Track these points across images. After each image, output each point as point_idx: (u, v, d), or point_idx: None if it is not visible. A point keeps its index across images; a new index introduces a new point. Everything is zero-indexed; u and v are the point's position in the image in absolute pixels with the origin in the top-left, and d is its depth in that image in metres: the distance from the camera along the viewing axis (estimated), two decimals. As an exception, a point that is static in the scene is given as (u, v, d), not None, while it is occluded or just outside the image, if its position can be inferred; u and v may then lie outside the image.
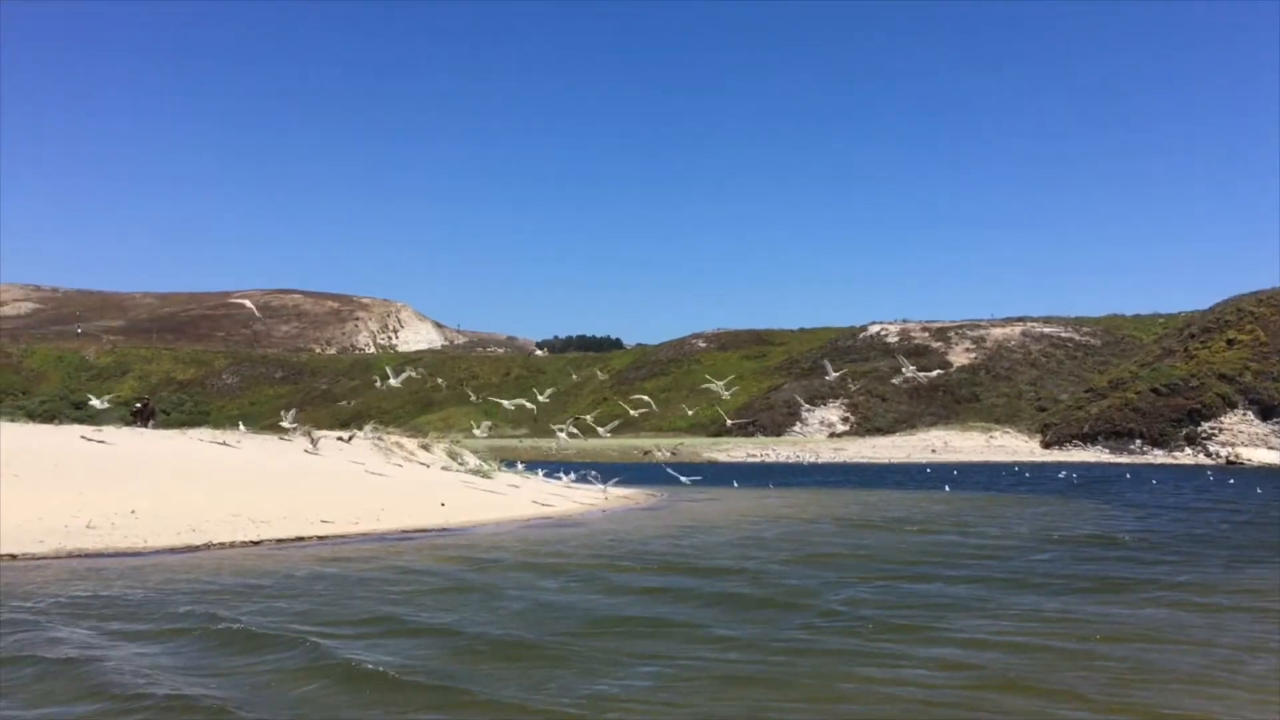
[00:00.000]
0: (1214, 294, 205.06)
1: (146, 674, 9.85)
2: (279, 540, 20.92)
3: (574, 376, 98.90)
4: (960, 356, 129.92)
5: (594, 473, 37.50)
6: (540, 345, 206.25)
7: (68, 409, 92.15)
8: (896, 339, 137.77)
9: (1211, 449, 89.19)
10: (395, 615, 13.10)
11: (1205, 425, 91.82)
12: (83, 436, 30.74)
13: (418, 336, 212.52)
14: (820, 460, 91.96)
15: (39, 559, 17.29)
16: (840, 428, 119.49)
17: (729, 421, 78.54)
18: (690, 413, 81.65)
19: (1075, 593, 15.49)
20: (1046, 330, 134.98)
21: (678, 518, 30.03)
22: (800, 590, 15.50)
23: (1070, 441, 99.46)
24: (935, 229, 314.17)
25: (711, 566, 18.35)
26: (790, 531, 25.64)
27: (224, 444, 33.70)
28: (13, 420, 44.97)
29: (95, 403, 41.54)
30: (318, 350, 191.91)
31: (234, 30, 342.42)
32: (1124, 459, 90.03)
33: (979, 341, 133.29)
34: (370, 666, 10.11)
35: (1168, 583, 16.53)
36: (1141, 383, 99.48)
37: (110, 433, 33.19)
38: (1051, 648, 11.45)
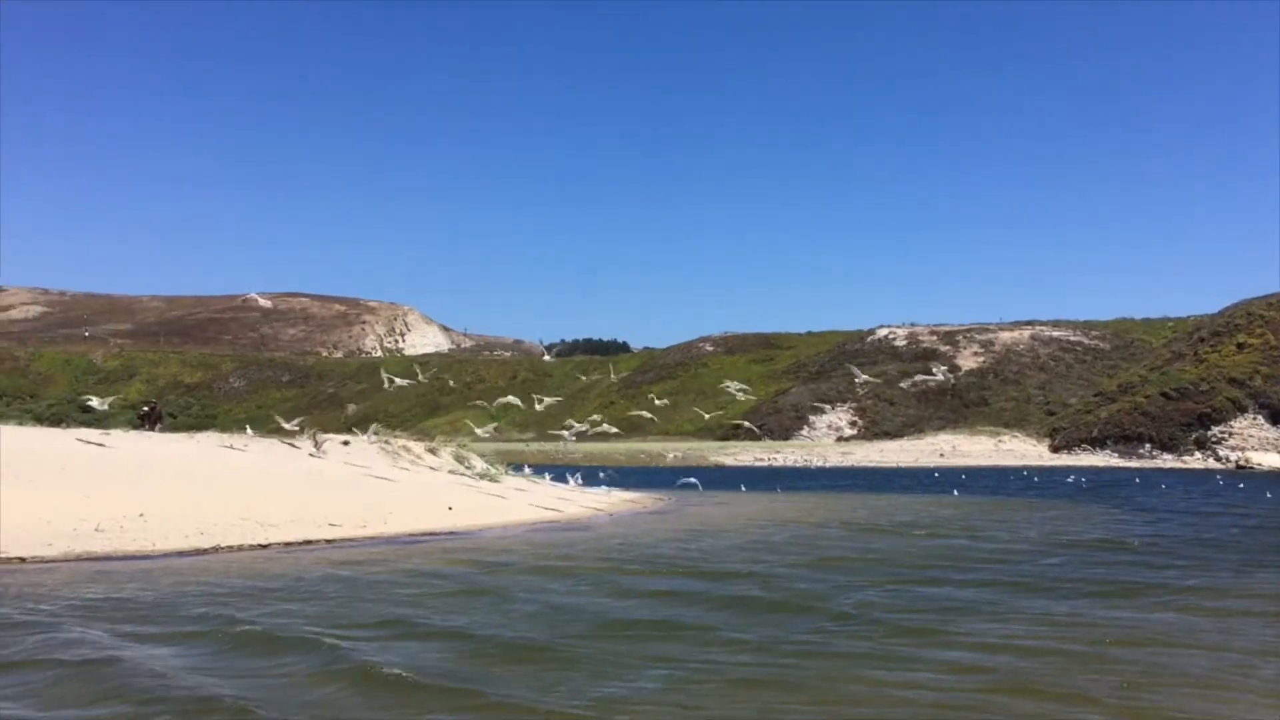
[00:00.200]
0: (1224, 297, 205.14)
1: (165, 675, 9.90)
2: (287, 543, 20.94)
3: (584, 379, 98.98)
4: (968, 360, 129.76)
5: (602, 473, 37.51)
6: (547, 349, 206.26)
7: (75, 412, 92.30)
8: (904, 342, 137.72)
9: (1221, 453, 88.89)
10: (407, 618, 13.13)
11: (1215, 429, 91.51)
12: (83, 440, 30.73)
13: (425, 340, 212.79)
14: (828, 464, 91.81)
15: (48, 562, 17.31)
16: (848, 431, 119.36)
17: (743, 422, 78.54)
18: (708, 416, 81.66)
19: (1086, 597, 15.46)
20: (1055, 334, 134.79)
21: (686, 521, 30.01)
22: (810, 594, 15.49)
23: (1079, 446, 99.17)
24: (941, 231, 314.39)
25: (720, 570, 18.34)
26: (799, 535, 25.61)
27: (230, 447, 33.74)
28: (20, 423, 45.17)
29: (96, 403, 41.72)
30: (325, 353, 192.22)
31: (234, 30, 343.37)
32: (1133, 463, 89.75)
33: (987, 345, 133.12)
34: (385, 669, 10.14)
35: (1178, 587, 16.48)
36: (1151, 387, 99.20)
37: (116, 436, 33.25)
38: (1062, 651, 11.43)
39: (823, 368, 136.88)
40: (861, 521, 30.14)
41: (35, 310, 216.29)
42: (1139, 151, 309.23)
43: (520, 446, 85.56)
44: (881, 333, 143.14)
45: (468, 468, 38.77)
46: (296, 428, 38.20)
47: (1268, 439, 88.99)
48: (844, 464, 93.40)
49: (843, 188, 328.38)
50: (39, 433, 34.10)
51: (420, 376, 51.11)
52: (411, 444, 40.88)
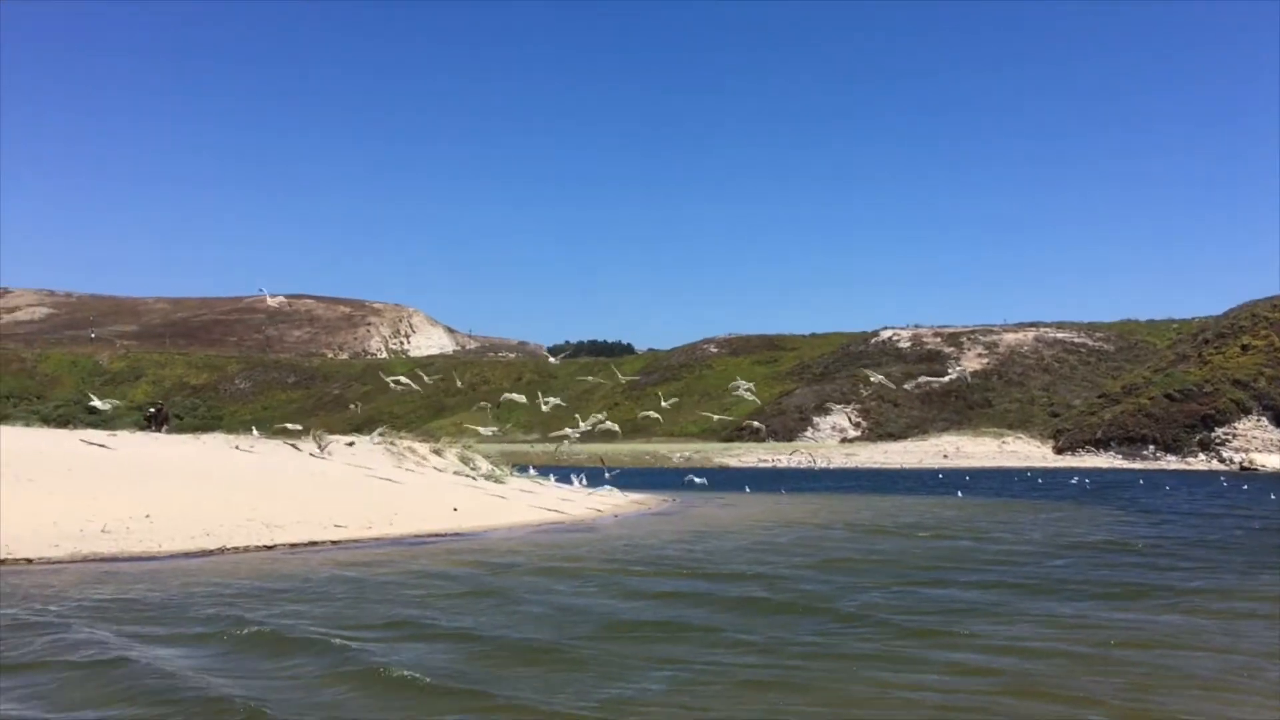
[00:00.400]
0: (1228, 299, 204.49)
1: (176, 676, 9.95)
2: (292, 545, 20.99)
3: (590, 379, 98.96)
4: (973, 362, 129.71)
5: (607, 474, 37.53)
6: (551, 350, 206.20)
7: (82, 413, 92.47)
8: (909, 344, 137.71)
9: (1225, 455, 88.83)
10: (415, 619, 13.18)
11: (1219, 431, 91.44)
12: (90, 441, 30.82)
13: (429, 341, 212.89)
14: (832, 466, 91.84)
15: (55, 563, 17.37)
16: (852, 433, 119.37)
17: (751, 422, 78.63)
18: (716, 418, 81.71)
19: (1091, 598, 15.47)
20: (1059, 335, 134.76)
21: (691, 523, 30.04)
22: (815, 595, 15.51)
23: (1083, 447, 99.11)
24: (944, 232, 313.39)
25: (726, 571, 18.37)
26: (804, 537, 25.63)
27: (236, 448, 33.82)
28: (28, 424, 45.28)
29: (97, 404, 41.73)
30: (330, 355, 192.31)
31: (234, 30, 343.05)
32: (1137, 465, 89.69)
33: (991, 347, 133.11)
34: (395, 669, 10.19)
35: (1183, 589, 16.49)
36: (1155, 388, 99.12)
37: (123, 437, 33.34)
38: (1068, 653, 11.44)
39: (827, 369, 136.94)
40: (866, 523, 30.15)
41: (41, 312, 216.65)
42: (1144, 152, 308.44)
43: (525, 448, 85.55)
44: (885, 334, 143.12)
45: (473, 469, 38.81)
46: (299, 427, 38.28)
47: (1272, 441, 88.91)
48: (848, 465, 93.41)
49: (845, 188, 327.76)
50: (45, 434, 34.19)
51: (426, 379, 51.06)
52: (417, 445, 40.94)
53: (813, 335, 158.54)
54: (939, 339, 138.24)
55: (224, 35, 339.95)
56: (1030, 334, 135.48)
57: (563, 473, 44.06)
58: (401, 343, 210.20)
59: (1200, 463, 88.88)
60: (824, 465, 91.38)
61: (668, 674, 10.37)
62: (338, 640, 11.51)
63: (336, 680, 10.03)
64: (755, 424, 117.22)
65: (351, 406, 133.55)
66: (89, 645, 11.11)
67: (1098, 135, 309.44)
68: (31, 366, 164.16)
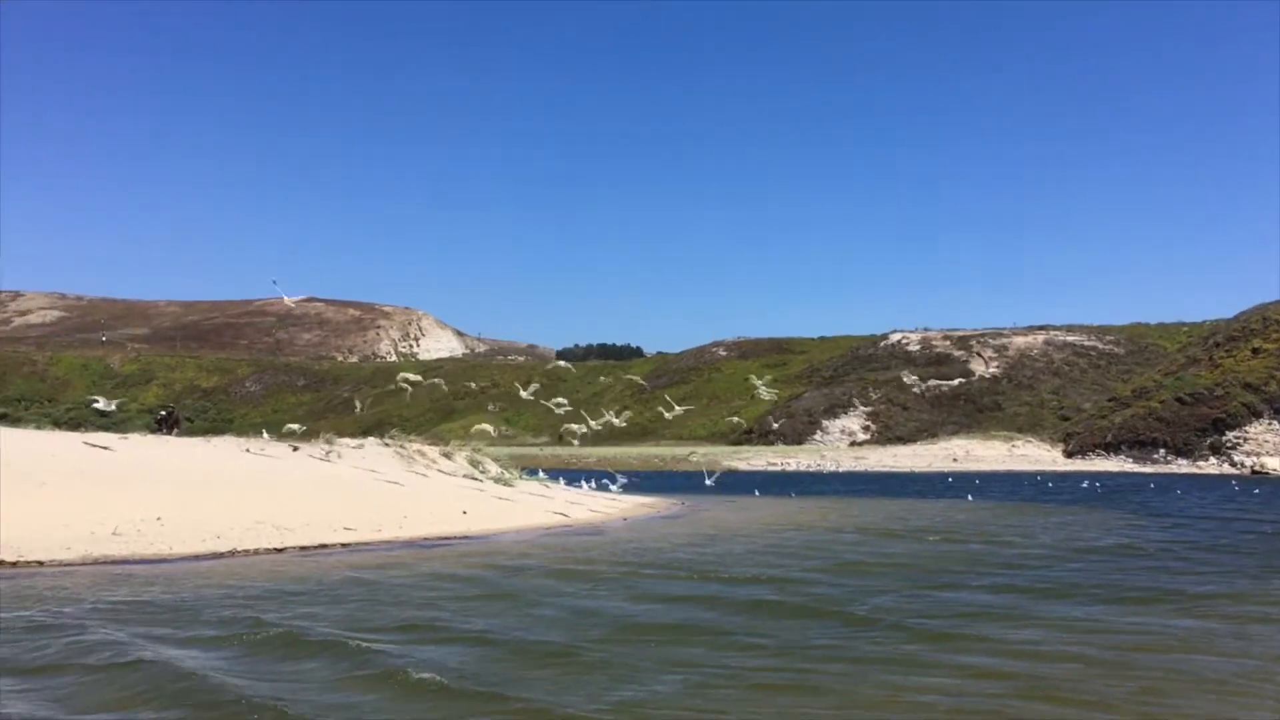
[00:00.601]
0: (1239, 302, 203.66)
1: (195, 677, 10.01)
2: (302, 547, 21.06)
3: (601, 380, 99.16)
4: (982, 365, 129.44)
5: (620, 477, 37.56)
6: (560, 354, 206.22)
7: (93, 416, 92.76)
8: (918, 347, 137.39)
9: (1236, 459, 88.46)
10: (429, 621, 13.25)
11: (1230, 435, 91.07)
12: (98, 444, 30.91)
13: (439, 345, 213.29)
14: (841, 469, 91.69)
15: (66, 565, 17.46)
16: (861, 436, 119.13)
17: (768, 422, 78.66)
18: (734, 420, 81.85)
19: (1103, 602, 15.45)
20: (1069, 339, 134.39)
21: (700, 526, 30.04)
22: (827, 598, 15.52)
23: (1093, 451, 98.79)
24: (953, 235, 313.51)
25: (737, 574, 18.38)
26: (814, 540, 25.61)
27: (246, 451, 33.90)
28: (39, 427, 45.47)
29: (103, 405, 41.91)
30: (340, 358, 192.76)
31: (235, 30, 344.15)
32: (1147, 468, 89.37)
33: (1001, 350, 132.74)
34: (411, 671, 10.25)
35: (1196, 593, 16.45)
36: (1165, 391, 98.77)
37: (134, 440, 33.44)
38: (1081, 656, 11.44)
39: (836, 372, 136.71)
40: (876, 526, 30.11)
41: (53, 315, 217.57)
42: (1152, 155, 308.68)
43: (534, 451, 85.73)
44: (895, 337, 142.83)
45: (482, 472, 38.85)
46: (302, 428, 38.41)
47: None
48: (857, 469, 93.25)
49: (854, 190, 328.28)
50: (57, 437, 34.29)
51: (444, 386, 51.19)
52: (426, 448, 41.00)
53: (822, 338, 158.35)
54: (948, 342, 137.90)
55: (224, 35, 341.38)
56: (1040, 337, 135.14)
57: (572, 476, 44.14)
58: (411, 346, 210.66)
59: (1211, 466, 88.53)
60: (833, 468, 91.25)
61: (680, 676, 10.41)
62: (354, 642, 11.57)
63: (354, 682, 10.10)
64: (764, 427, 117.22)
65: (359, 408, 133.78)
66: (106, 647, 11.18)
67: (1108, 136, 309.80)
68: (43, 369, 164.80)
